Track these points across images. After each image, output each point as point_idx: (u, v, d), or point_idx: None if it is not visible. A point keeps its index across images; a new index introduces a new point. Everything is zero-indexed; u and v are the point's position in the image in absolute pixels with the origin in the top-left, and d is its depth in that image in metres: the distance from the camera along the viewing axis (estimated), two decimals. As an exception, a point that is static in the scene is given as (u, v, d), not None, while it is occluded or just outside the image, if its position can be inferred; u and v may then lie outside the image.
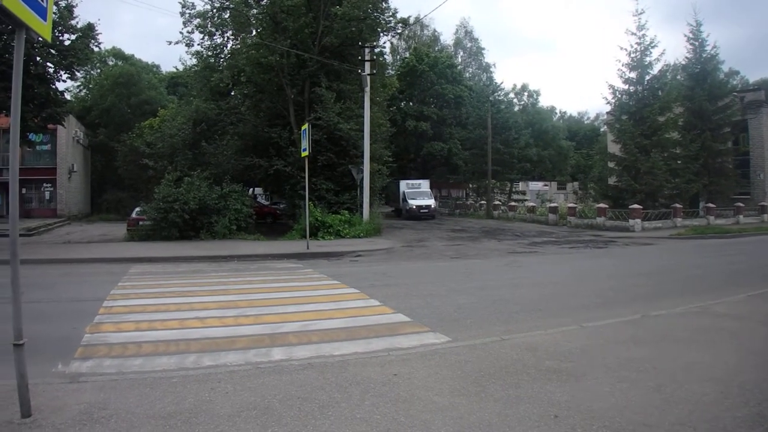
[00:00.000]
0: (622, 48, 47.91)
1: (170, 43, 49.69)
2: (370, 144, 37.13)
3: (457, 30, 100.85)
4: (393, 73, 69.44)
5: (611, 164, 49.33)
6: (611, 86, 48.73)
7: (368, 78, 36.80)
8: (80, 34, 31.52)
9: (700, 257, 26.27)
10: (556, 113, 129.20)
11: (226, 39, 41.35)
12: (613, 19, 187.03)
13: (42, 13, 6.29)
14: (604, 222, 42.61)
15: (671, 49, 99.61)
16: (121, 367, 8.68)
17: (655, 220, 41.91)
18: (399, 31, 51.64)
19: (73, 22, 31.21)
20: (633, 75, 47.50)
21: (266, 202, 56.80)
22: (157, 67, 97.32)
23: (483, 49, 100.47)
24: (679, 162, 48.29)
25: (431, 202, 58.61)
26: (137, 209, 34.93)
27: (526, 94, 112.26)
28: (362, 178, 36.29)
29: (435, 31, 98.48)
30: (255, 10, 39.24)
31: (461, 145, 74.02)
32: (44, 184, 57.93)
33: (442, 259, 25.85)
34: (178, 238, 31.44)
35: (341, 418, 6.37)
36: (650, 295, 15.18)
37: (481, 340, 9.86)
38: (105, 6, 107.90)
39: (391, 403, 6.86)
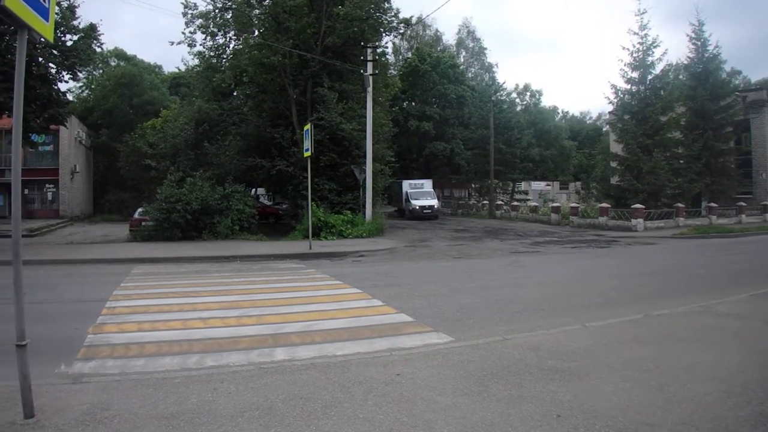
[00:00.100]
0: (624, 48, 47.89)
1: (172, 43, 50.25)
2: (373, 144, 37.16)
3: (459, 30, 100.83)
4: (395, 73, 69.41)
5: (613, 164, 49.24)
6: (613, 86, 48.70)
7: (370, 78, 36.82)
8: (82, 34, 31.48)
9: (703, 257, 26.26)
10: (558, 113, 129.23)
11: (228, 39, 41.43)
12: (615, 19, 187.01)
13: (44, 13, 6.30)
14: (606, 222, 42.58)
15: (673, 49, 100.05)
16: (124, 367, 8.70)
17: (658, 219, 41.88)
18: (401, 31, 51.53)
19: (75, 23, 31.17)
20: (635, 75, 47.42)
21: (269, 203, 56.82)
22: (160, 67, 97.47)
23: (485, 49, 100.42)
24: (681, 162, 48.14)
25: (434, 202, 58.60)
26: (140, 210, 34.97)
27: (528, 94, 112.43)
28: (365, 178, 36.32)
29: (437, 31, 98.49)
30: (257, 11, 39.27)
31: (464, 145, 73.91)
32: (46, 185, 57.90)
33: (445, 259, 25.86)
34: (180, 239, 31.45)
35: (344, 418, 6.38)
36: (653, 295, 15.18)
37: (483, 340, 9.87)
38: (107, 6, 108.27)
39: (394, 403, 6.87)
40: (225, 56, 42.17)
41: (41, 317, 11.53)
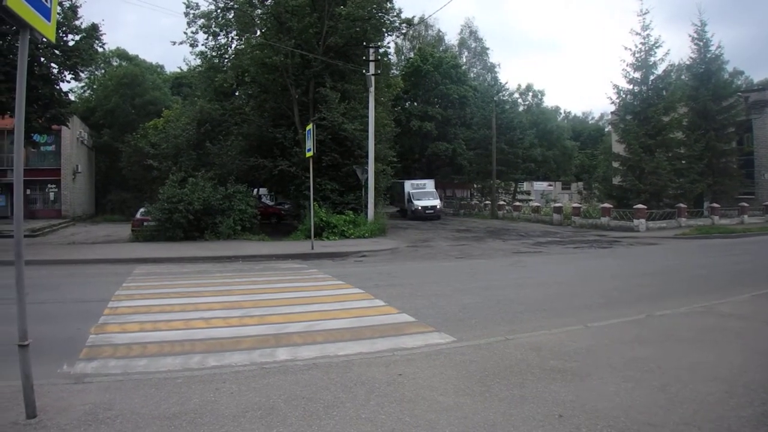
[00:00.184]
0: (626, 48, 48.09)
1: (174, 43, 50.19)
2: (375, 144, 37.14)
3: (461, 30, 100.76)
4: (397, 73, 69.58)
5: (616, 164, 49.33)
6: (616, 86, 48.79)
7: (373, 78, 36.80)
8: (84, 34, 31.47)
9: (705, 257, 26.25)
10: (560, 113, 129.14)
11: (230, 39, 41.46)
12: (617, 20, 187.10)
13: (46, 13, 6.30)
14: (608, 222, 42.57)
15: (675, 49, 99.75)
16: (126, 367, 8.70)
17: (660, 220, 41.84)
18: (403, 31, 51.60)
19: (77, 23, 31.16)
20: (637, 75, 47.47)
21: (271, 203, 56.81)
22: (161, 67, 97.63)
23: (487, 49, 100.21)
24: (683, 162, 48.23)
25: (437, 202, 58.55)
26: (141, 210, 34.97)
27: (530, 94, 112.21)
28: (367, 179, 36.33)
29: (439, 31, 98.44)
30: (259, 11, 39.25)
31: (466, 145, 73.81)
32: (48, 185, 57.90)
33: (447, 259, 25.88)
34: (182, 239, 31.44)
35: (346, 418, 6.38)
36: (655, 295, 15.18)
37: (485, 340, 9.87)
38: (109, 6, 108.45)
39: (396, 403, 6.87)
40: (227, 56, 42.19)
41: (43, 317, 11.54)
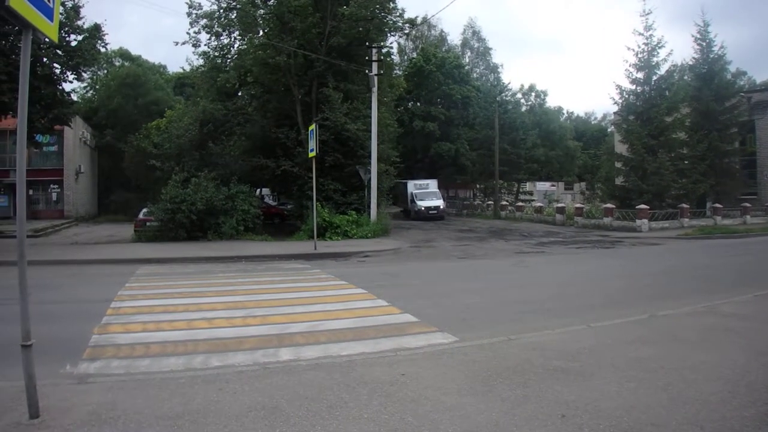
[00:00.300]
0: (629, 48, 47.97)
1: (177, 43, 50.01)
2: (378, 144, 37.12)
3: (464, 30, 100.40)
4: (400, 73, 69.21)
5: (618, 164, 49.35)
6: (618, 86, 48.80)
7: (375, 78, 36.79)
8: (87, 34, 31.47)
9: (707, 257, 26.19)
10: (563, 113, 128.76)
11: (232, 39, 41.45)
12: (620, 20, 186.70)
13: (48, 13, 6.30)
14: (611, 222, 42.56)
15: (678, 50, 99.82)
16: (129, 367, 8.71)
17: (662, 220, 41.79)
18: (406, 31, 51.56)
19: (79, 23, 31.18)
20: (640, 75, 47.49)
21: (274, 203, 56.73)
22: (164, 67, 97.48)
23: (490, 49, 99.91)
24: (686, 162, 48.26)
25: (440, 203, 58.54)
26: (144, 210, 34.85)
27: (533, 94, 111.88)
28: (370, 179, 36.28)
29: (442, 31, 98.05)
30: (262, 11, 39.21)
31: (468, 145, 73.84)
32: (51, 186, 57.95)
33: (450, 259, 25.91)
34: (185, 239, 31.46)
35: (349, 418, 6.39)
36: (657, 295, 15.18)
37: (488, 340, 9.87)
38: (112, 6, 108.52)
39: (399, 402, 6.88)
40: (229, 56, 42.23)
41: (46, 317, 11.53)
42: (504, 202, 62.37)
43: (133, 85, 73.70)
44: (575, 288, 17.11)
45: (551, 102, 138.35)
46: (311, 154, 27.31)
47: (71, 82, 44.42)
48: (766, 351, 9.12)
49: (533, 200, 72.19)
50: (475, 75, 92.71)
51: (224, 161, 40.01)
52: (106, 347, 9.88)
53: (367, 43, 37.74)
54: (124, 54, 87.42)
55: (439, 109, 74.52)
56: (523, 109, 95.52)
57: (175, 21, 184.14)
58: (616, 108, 54.19)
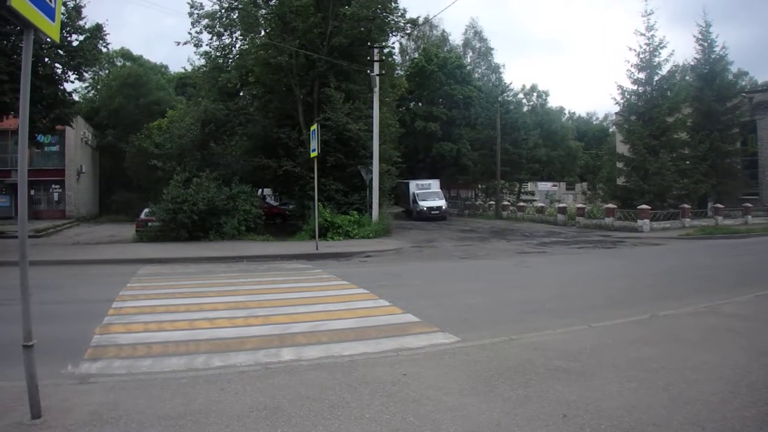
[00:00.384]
0: (631, 49, 47.99)
1: (178, 43, 49.88)
2: (380, 144, 37.12)
3: (466, 30, 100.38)
4: (402, 73, 69.29)
5: (620, 165, 49.30)
6: (620, 87, 48.69)
7: (377, 78, 36.80)
8: (88, 34, 31.48)
9: (709, 257, 26.17)
10: (565, 114, 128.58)
11: (234, 39, 41.45)
12: (621, 20, 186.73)
13: (50, 13, 6.31)
14: (612, 222, 42.59)
15: (680, 50, 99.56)
16: (131, 368, 8.72)
17: (664, 220, 41.80)
18: (408, 31, 51.65)
19: (81, 23, 31.18)
20: (642, 76, 47.44)
21: (275, 203, 56.81)
22: (166, 67, 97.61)
23: (492, 49, 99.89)
24: (687, 162, 48.21)
25: (442, 203, 58.57)
26: (146, 210, 34.91)
27: (535, 94, 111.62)
28: (371, 179, 36.29)
29: (444, 31, 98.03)
30: (264, 11, 39.21)
31: (470, 145, 73.89)
32: (53, 186, 57.99)
33: (452, 259, 25.93)
34: (187, 239, 31.50)
35: (351, 418, 6.40)
36: (659, 295, 15.17)
37: (490, 340, 9.88)
38: (113, 7, 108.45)
39: (401, 402, 6.89)
40: (231, 56, 42.23)
41: (48, 318, 11.53)
42: (506, 203, 62.46)
43: (135, 85, 73.80)
44: (576, 288, 17.12)
45: (553, 102, 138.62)
46: (313, 154, 27.36)
47: (73, 82, 44.67)
48: (767, 351, 9.12)
49: (535, 200, 72.32)
50: (476, 75, 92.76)
51: (226, 161, 40.05)
52: (108, 347, 9.90)
53: (368, 43, 37.76)
54: (125, 54, 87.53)
55: (440, 110, 74.57)
56: (525, 109, 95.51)
57: (176, 21, 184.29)
58: (617, 108, 54.22)
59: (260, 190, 49.43)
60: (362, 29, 37.47)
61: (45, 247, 29.60)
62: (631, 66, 47.71)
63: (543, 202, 67.69)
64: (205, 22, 39.48)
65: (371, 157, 36.47)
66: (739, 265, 23.23)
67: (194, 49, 43.11)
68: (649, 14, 46.42)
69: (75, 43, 30.71)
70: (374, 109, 36.71)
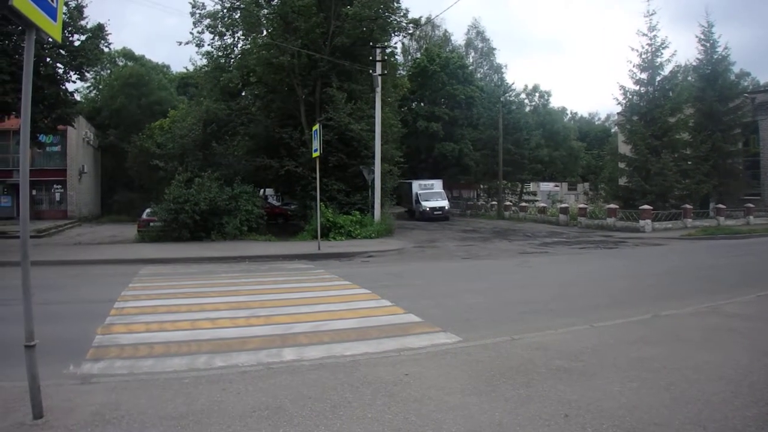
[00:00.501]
0: (633, 49, 47.95)
1: (180, 43, 50.14)
2: (382, 144, 37.14)
3: (468, 30, 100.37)
4: (404, 73, 69.42)
5: (622, 165, 49.31)
6: (622, 87, 48.68)
7: (379, 78, 36.79)
8: (90, 34, 31.49)
9: (710, 258, 26.15)
10: (567, 114, 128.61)
11: (236, 39, 41.42)
12: (624, 20, 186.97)
13: (52, 13, 6.31)
14: (614, 222, 42.59)
15: (682, 50, 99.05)
16: (133, 368, 8.73)
17: (666, 220, 41.81)
18: (410, 31, 51.61)
19: (83, 23, 31.21)
20: (644, 76, 47.49)
21: (277, 203, 56.81)
22: (167, 67, 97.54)
23: (494, 49, 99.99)
24: (689, 163, 48.25)
25: (444, 203, 58.59)
26: (148, 210, 34.95)
27: (537, 94, 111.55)
28: (373, 179, 36.31)
29: (446, 31, 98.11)
30: (266, 11, 39.22)
31: (472, 145, 73.89)
32: (54, 186, 57.98)
33: (454, 259, 25.93)
34: (188, 239, 31.52)
35: (353, 418, 6.40)
36: (660, 296, 15.18)
37: (491, 340, 9.88)
38: (115, 6, 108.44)
39: (403, 402, 6.89)
40: (233, 56, 42.18)
41: (50, 318, 11.57)
42: (508, 203, 62.72)
43: (137, 84, 73.74)
44: (578, 288, 17.12)
45: (555, 102, 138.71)
46: (315, 154, 27.36)
47: (74, 82, 44.64)
48: (769, 351, 9.13)
49: (537, 200, 72.61)
50: (479, 75, 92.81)
51: (228, 161, 40.15)
52: (110, 347, 9.90)
53: (371, 43, 37.78)
54: (127, 54, 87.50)
55: (442, 110, 74.64)
56: (527, 109, 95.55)
57: (178, 21, 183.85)
58: (619, 108, 54.40)
59: (262, 191, 49.44)
60: (364, 29, 37.52)
61: (47, 247, 29.62)
62: (633, 66, 47.83)
63: (545, 203, 67.73)
64: (207, 21, 39.50)
65: (373, 157, 36.48)
66: (740, 265, 23.23)
67: (196, 48, 43.11)
68: (651, 14, 46.56)
69: (77, 43, 30.71)
70: (376, 109, 36.73)
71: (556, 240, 35.17)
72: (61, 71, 30.41)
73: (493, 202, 65.23)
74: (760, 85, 78.01)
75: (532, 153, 75.18)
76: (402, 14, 40.62)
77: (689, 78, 61.78)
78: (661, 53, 46.82)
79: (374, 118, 36.67)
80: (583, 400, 6.88)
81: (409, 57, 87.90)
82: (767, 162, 55.05)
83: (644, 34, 46.90)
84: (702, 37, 52.74)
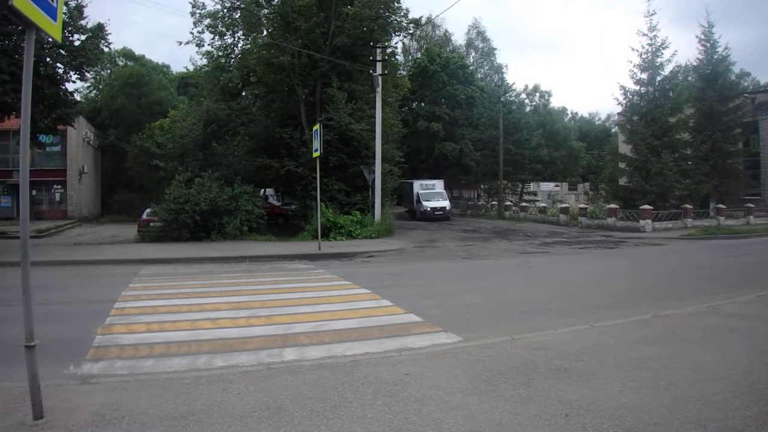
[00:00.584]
0: (633, 49, 47.96)
1: (180, 43, 50.28)
2: (382, 144, 37.15)
3: (468, 30, 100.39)
4: (405, 73, 69.46)
5: (622, 165, 49.32)
6: (622, 87, 48.71)
7: (380, 78, 36.80)
8: (90, 34, 31.47)
9: (711, 257, 26.16)
10: (567, 114, 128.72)
11: (236, 39, 41.40)
12: (621, 20, 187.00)
13: (52, 13, 6.31)
14: (614, 222, 42.64)
15: (682, 50, 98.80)
16: (133, 368, 8.72)
17: (666, 220, 41.85)
18: (411, 31, 51.66)
19: (83, 23, 31.20)
20: (644, 76, 47.52)
21: (277, 203, 56.88)
22: (168, 67, 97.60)
23: (495, 49, 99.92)
24: (689, 163, 48.25)
25: (446, 203, 58.61)
26: (148, 210, 34.95)
27: (537, 94, 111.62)
28: (374, 179, 36.32)
29: (447, 31, 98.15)
30: (266, 10, 39.23)
31: (473, 145, 74.01)
32: (54, 186, 57.97)
33: (454, 259, 25.93)
34: (189, 239, 31.53)
35: (353, 418, 6.40)
36: (661, 295, 15.19)
37: (492, 340, 9.88)
38: (115, 6, 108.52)
39: (403, 402, 6.89)
40: (233, 56, 42.16)
41: (50, 318, 11.56)
42: (508, 203, 62.79)
43: (137, 84, 73.76)
44: (578, 288, 17.13)
45: (555, 102, 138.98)
46: (315, 154, 27.35)
47: (74, 82, 44.64)
48: (769, 351, 9.13)
49: (537, 200, 72.75)
50: (479, 75, 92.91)
51: (228, 161, 40.17)
52: (110, 348, 9.90)
53: (371, 43, 37.78)
54: (127, 54, 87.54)
55: (443, 110, 74.69)
56: (527, 109, 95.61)
57: (178, 20, 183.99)
58: (619, 108, 54.46)
59: (262, 191, 49.50)
60: (365, 29, 37.54)
61: (47, 248, 29.61)
62: (634, 66, 47.86)
63: (545, 203, 67.79)
64: (207, 21, 39.46)
65: (374, 157, 36.49)
66: (741, 265, 23.24)
67: (196, 48, 43.20)
68: (652, 15, 46.58)
69: (77, 43, 30.69)
70: (377, 109, 36.74)
71: (557, 240, 35.20)
72: (61, 71, 30.41)
73: (494, 202, 65.30)
74: (761, 85, 78.08)
75: (532, 153, 75.34)
76: (402, 14, 40.68)
77: (689, 78, 61.75)
78: (662, 53, 46.89)
79: (375, 118, 36.68)
80: (584, 399, 6.89)
81: (410, 57, 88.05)
82: (767, 162, 55.07)
83: (644, 34, 46.98)
84: (702, 37, 52.78)
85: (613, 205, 44.72)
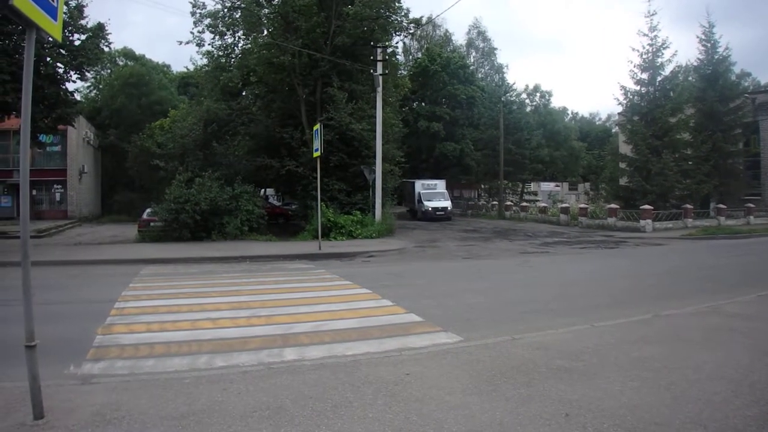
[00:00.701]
0: (633, 49, 47.99)
1: (181, 43, 50.25)
2: (383, 144, 37.16)
3: (469, 30, 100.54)
4: (405, 73, 69.41)
5: (622, 165, 49.33)
6: (623, 87, 48.77)
7: (380, 78, 36.80)
8: (90, 34, 31.43)
9: (711, 257, 26.14)
10: (567, 114, 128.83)
11: (237, 39, 41.48)
12: (621, 20, 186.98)
13: (52, 12, 6.30)
14: (615, 222, 42.65)
15: (682, 50, 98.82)
16: (133, 368, 8.71)
17: (666, 220, 41.86)
18: (411, 31, 51.76)
19: (83, 22, 31.15)
20: (644, 76, 47.56)
21: (278, 203, 56.92)
22: (168, 67, 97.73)
23: (495, 49, 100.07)
24: (690, 163, 48.24)
25: (447, 204, 58.62)
26: (148, 210, 34.94)
27: (538, 94, 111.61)
28: (374, 179, 36.33)
29: (447, 31, 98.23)
30: (266, 10, 39.23)
31: (473, 145, 74.11)
32: (55, 186, 57.97)
33: (454, 259, 25.92)
34: (189, 239, 31.52)
35: (354, 418, 6.39)
36: (661, 295, 15.18)
37: (492, 340, 9.87)
38: (115, 6, 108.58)
39: (404, 402, 6.88)
40: (234, 56, 42.20)
41: (50, 318, 11.58)
42: (508, 203, 62.89)
43: (137, 84, 73.78)
44: (579, 288, 17.11)
45: (556, 102, 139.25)
46: (316, 154, 27.33)
47: (75, 81, 44.60)
48: (770, 351, 9.13)
49: (538, 200, 72.80)
50: (480, 75, 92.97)
51: (228, 161, 40.14)
52: (110, 348, 9.89)
53: (371, 43, 37.77)
54: (127, 53, 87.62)
55: (443, 109, 74.72)
56: (528, 109, 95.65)
57: (179, 20, 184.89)
58: (620, 109, 54.49)
59: (263, 190, 49.55)
60: (365, 29, 37.55)
61: (47, 248, 29.61)
62: (634, 66, 47.94)
63: (546, 203, 67.83)
64: (207, 21, 39.50)
65: (374, 157, 36.50)
66: (741, 265, 23.23)
67: (197, 48, 43.09)
68: (652, 15, 46.62)
69: (77, 43, 30.66)
70: (377, 109, 36.74)
71: (557, 240, 35.20)
72: (61, 71, 30.38)
73: (494, 202, 65.29)
74: (761, 86, 78.21)
75: (533, 153, 75.40)
76: (403, 14, 40.81)
77: (690, 78, 61.72)
78: (662, 53, 46.94)
79: (375, 117, 36.68)
80: (584, 399, 6.88)
81: (410, 57, 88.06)
82: (767, 162, 55.06)
83: (645, 35, 47.04)
84: (703, 37, 52.77)
85: (613, 205, 44.75)
